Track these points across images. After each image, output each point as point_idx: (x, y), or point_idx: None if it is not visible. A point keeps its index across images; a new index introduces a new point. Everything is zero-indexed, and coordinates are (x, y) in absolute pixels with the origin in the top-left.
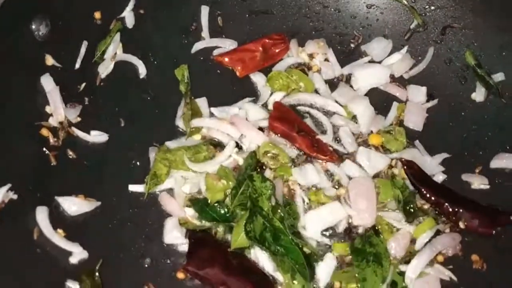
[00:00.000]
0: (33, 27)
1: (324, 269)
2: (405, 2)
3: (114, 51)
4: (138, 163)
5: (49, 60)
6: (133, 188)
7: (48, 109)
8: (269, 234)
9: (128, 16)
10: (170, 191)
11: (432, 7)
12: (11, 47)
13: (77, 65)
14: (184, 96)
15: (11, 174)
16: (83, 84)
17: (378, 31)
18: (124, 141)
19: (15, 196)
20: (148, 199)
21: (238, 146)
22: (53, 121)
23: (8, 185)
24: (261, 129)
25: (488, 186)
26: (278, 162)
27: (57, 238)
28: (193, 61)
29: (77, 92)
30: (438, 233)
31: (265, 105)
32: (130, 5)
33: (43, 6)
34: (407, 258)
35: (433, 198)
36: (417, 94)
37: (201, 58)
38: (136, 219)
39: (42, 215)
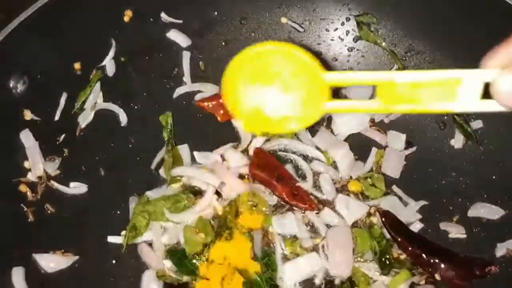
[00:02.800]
0: (11, 85)
1: None
2: (385, 45)
3: (94, 101)
4: (118, 212)
5: (28, 115)
6: (112, 239)
7: (26, 164)
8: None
9: (109, 64)
10: (149, 241)
11: (412, 52)
12: None
13: (57, 117)
14: (166, 143)
15: None
16: (63, 136)
17: None
18: (104, 191)
19: None
20: (127, 250)
21: (218, 194)
22: (31, 177)
23: None
24: (241, 176)
25: (465, 236)
26: (258, 211)
27: None
28: (175, 106)
29: (57, 143)
30: (413, 285)
31: (246, 151)
32: (111, 54)
33: (19, 63)
34: None
35: (409, 248)
36: (396, 141)
37: (183, 102)
38: (115, 272)
39: (17, 276)
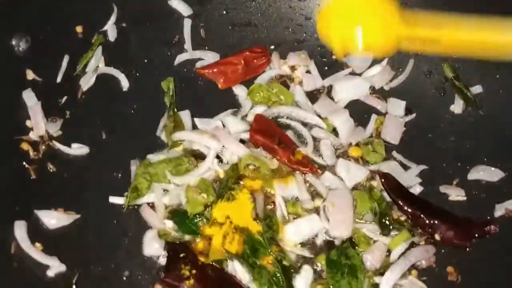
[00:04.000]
0: (13, 43)
1: (301, 281)
2: None
3: (96, 65)
4: (119, 175)
5: (30, 75)
6: (113, 200)
7: (28, 123)
8: (247, 246)
9: (111, 29)
10: (151, 203)
11: None
12: None
13: (59, 79)
14: (168, 108)
15: None
16: (65, 98)
17: None
18: (105, 153)
19: None
20: (128, 211)
21: (219, 158)
22: (33, 135)
23: None
24: (242, 141)
25: (465, 198)
26: (259, 174)
27: (35, 252)
28: (176, 73)
29: (59, 105)
30: (413, 245)
31: (246, 117)
32: (113, 19)
33: (23, 22)
34: (382, 270)
35: (409, 210)
36: (396, 108)
37: (184, 70)
38: (116, 231)
39: (20, 229)
